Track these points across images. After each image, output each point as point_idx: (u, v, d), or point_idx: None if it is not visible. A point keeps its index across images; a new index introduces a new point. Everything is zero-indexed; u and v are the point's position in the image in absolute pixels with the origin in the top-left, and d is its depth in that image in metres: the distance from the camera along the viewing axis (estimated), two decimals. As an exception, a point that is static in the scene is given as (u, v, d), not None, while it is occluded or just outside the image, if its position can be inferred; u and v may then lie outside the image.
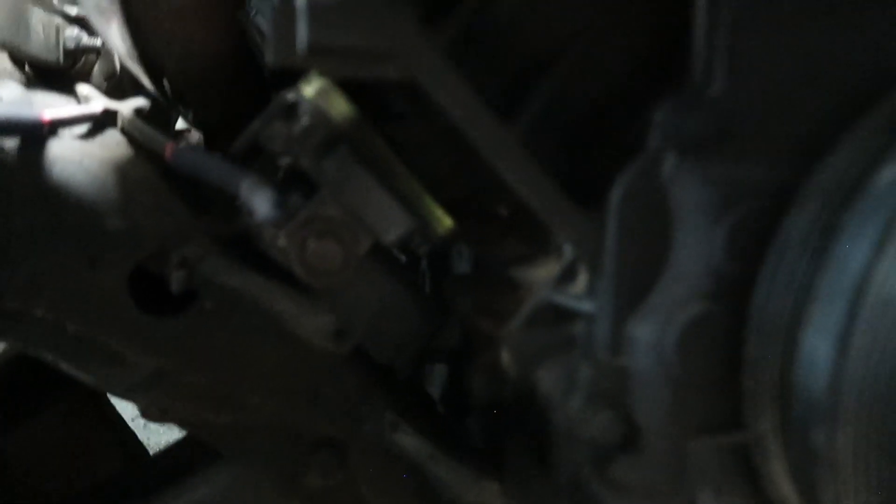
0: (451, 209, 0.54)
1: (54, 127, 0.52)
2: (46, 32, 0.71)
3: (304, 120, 0.45)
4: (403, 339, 0.55)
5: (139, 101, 0.68)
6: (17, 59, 0.74)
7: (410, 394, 0.66)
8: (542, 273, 0.51)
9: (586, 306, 0.40)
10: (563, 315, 0.43)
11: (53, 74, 0.76)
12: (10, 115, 0.48)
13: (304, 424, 0.61)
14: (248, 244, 0.53)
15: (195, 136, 0.85)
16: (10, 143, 0.49)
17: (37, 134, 0.50)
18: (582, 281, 0.43)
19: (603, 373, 0.39)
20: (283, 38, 0.35)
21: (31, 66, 0.76)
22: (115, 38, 0.49)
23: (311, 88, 0.45)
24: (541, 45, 0.40)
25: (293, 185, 0.50)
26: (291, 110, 0.45)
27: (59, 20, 0.72)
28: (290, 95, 0.45)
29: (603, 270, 0.38)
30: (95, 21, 0.56)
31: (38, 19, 0.70)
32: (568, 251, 0.42)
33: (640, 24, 0.40)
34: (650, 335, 0.37)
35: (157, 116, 0.84)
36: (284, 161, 0.49)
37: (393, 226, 0.49)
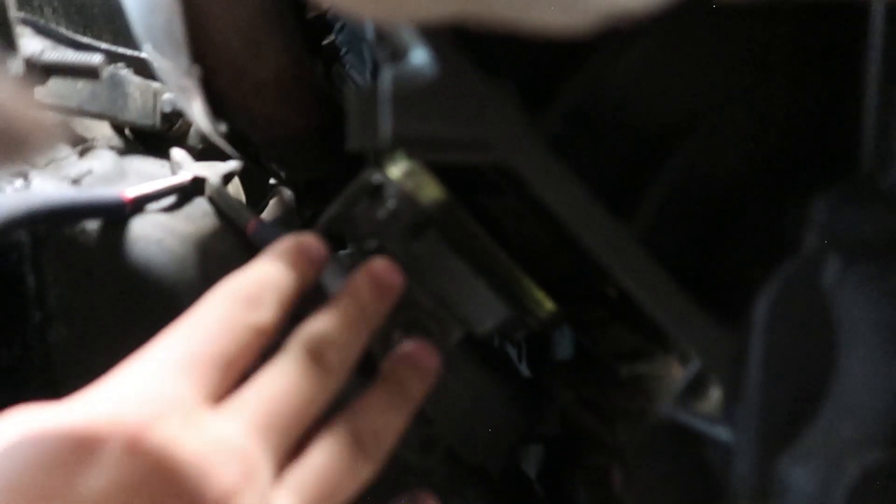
0: (552, 288, 0.48)
1: (139, 204, 0.51)
2: (144, 98, 0.73)
3: (391, 203, 0.41)
4: (496, 439, 0.49)
5: (230, 166, 0.67)
6: (118, 126, 0.76)
7: (504, 481, 0.60)
8: (657, 374, 0.44)
9: (722, 434, 0.33)
10: (688, 436, 0.36)
11: (152, 137, 0.78)
12: (92, 198, 0.46)
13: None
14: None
15: (286, 193, 0.84)
16: (93, 225, 0.47)
17: (119, 214, 0.48)
18: (713, 398, 0.36)
19: (745, 522, 0.31)
20: (365, 125, 0.30)
21: (131, 130, 0.78)
22: (198, 115, 0.47)
23: (397, 170, 0.40)
24: (666, 122, 0.33)
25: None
26: (377, 192, 0.41)
27: (156, 86, 0.73)
28: (376, 176, 0.41)
29: (745, 395, 0.31)
30: (178, 99, 0.55)
31: (136, 86, 0.72)
32: (694, 361, 0.36)
33: (789, 95, 0.33)
34: (810, 483, 0.29)
35: (250, 176, 0.83)
36: (369, 243, 0.45)
37: (487, 315, 0.44)
